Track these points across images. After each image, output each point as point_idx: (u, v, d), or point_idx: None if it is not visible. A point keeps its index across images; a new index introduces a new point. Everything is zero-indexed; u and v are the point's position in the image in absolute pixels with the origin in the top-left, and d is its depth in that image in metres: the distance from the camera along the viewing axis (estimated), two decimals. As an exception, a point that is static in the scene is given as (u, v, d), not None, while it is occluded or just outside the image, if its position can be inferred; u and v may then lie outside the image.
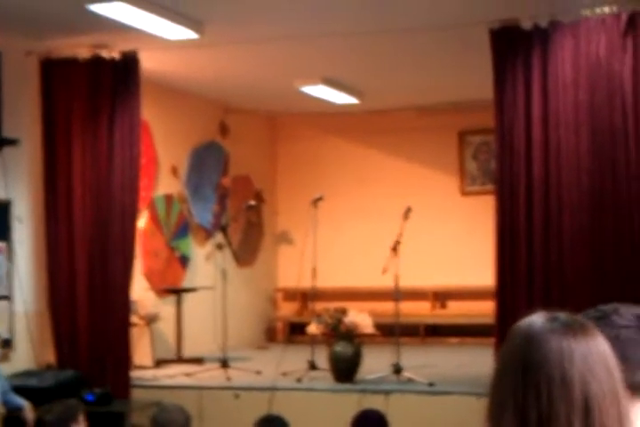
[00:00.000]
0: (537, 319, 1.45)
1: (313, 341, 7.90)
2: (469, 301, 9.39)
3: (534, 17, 6.82)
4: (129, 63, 7.70)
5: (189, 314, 9.30)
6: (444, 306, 11.23)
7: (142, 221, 9.08)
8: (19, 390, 6.53)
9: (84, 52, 7.73)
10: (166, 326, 9.22)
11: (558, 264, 6.68)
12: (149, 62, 7.93)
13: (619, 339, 1.76)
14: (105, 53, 7.73)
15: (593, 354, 1.40)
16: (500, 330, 6.81)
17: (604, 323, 1.98)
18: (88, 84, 7.74)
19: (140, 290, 8.80)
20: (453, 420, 6.72)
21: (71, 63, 7.75)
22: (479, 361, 8.64)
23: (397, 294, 7.78)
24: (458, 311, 10.72)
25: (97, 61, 7.72)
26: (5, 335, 7.49)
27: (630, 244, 6.52)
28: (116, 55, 7.71)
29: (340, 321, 7.45)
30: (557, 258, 6.69)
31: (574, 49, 6.73)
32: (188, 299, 9.43)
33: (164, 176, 9.81)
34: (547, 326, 1.42)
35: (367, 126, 11.46)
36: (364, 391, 7.08)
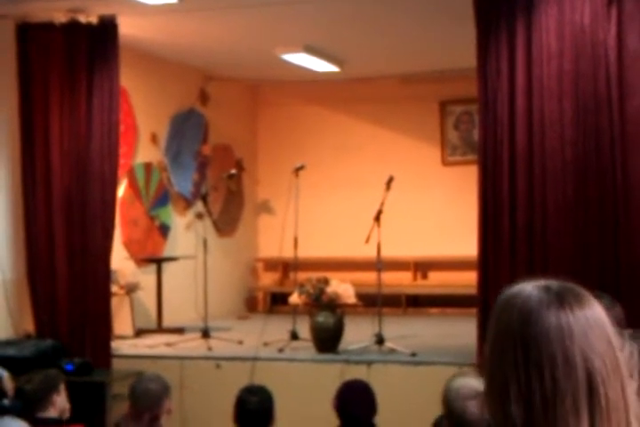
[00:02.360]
0: (530, 290, 1.40)
1: (294, 311, 7.88)
2: (451, 271, 9.40)
3: (519, -16, 6.73)
4: (107, 28, 7.56)
5: (170, 284, 9.25)
6: (425, 276, 11.23)
7: (121, 190, 8.98)
8: (-3, 360, 6.46)
9: (60, 17, 7.58)
10: (146, 296, 9.17)
11: (542, 234, 6.66)
12: (128, 28, 7.80)
13: None
14: (82, 18, 7.58)
15: (592, 326, 1.37)
16: (482, 300, 6.79)
17: None
18: (65, 50, 7.60)
19: (120, 259, 8.72)
20: (436, 390, 6.65)
21: (48, 28, 7.59)
22: (461, 331, 8.68)
23: (379, 265, 7.75)
24: (439, 282, 10.72)
25: (74, 26, 7.56)
26: (-17, 305, 7.41)
27: (613, 213, 6.50)
28: (93, 20, 7.57)
29: (322, 291, 7.42)
30: (541, 228, 6.67)
31: (558, 17, 6.65)
32: (169, 268, 9.37)
33: (144, 144, 9.70)
34: (543, 299, 1.38)
35: (349, 95, 11.37)
36: (346, 362, 7.07)
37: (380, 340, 7.39)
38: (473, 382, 3.74)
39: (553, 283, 1.42)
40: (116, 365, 7.53)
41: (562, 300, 1.38)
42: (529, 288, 1.41)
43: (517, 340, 1.37)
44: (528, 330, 1.36)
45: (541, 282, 1.42)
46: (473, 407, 3.59)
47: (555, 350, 1.34)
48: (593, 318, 1.38)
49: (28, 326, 7.65)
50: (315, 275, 7.92)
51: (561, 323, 1.36)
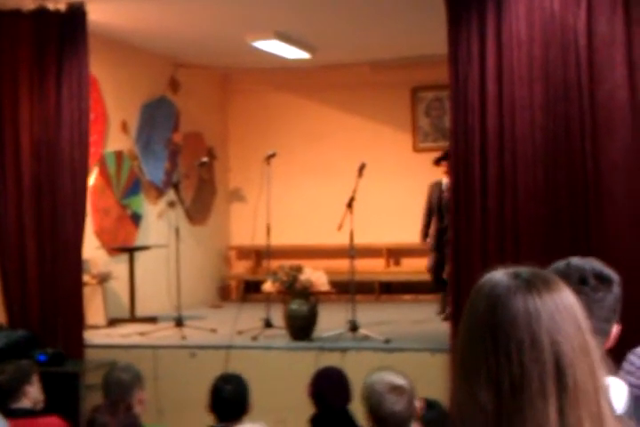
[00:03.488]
0: (499, 277, 1.41)
1: (268, 299, 7.87)
2: (423, 258, 9.40)
3: (489, -30, 6.73)
4: (75, 15, 7.48)
5: (142, 273, 9.21)
6: (397, 263, 11.26)
7: (92, 179, 8.92)
8: (-32, 352, 6.42)
9: (28, 4, 7.49)
10: (119, 285, 9.12)
11: (513, 220, 6.69)
12: (97, 15, 7.73)
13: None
14: (50, 5, 7.49)
15: (560, 311, 1.37)
16: (454, 287, 6.82)
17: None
18: (33, 37, 7.52)
19: (92, 249, 8.67)
20: (410, 376, 6.73)
21: (15, 15, 7.50)
22: (433, 318, 8.73)
23: (352, 252, 7.76)
24: (412, 268, 10.74)
25: (42, 13, 7.48)
26: (-47, 296, 7.33)
27: (583, 198, 6.54)
28: (61, 7, 7.49)
29: (295, 279, 7.42)
30: (512, 213, 6.70)
31: (528, 3, 6.66)
32: (141, 257, 9.33)
33: (114, 132, 9.63)
34: (511, 286, 1.38)
35: (320, 82, 11.35)
36: (320, 349, 7.08)
37: (353, 327, 7.41)
38: (388, 377, 3.81)
39: (523, 270, 1.42)
40: (89, 355, 7.50)
41: (529, 285, 1.38)
42: (498, 275, 1.42)
43: (486, 326, 1.37)
44: (496, 316, 1.37)
45: (512, 269, 1.43)
46: (389, 402, 3.67)
47: (522, 334, 1.35)
48: (561, 302, 1.38)
49: (0, 316, 7.59)
50: (288, 263, 7.91)
51: (528, 308, 1.36)
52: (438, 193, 8.77)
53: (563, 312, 1.37)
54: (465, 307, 1.44)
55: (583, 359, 1.35)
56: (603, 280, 2.22)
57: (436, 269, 8.73)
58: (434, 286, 9.00)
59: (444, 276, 8.40)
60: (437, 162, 8.80)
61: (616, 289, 2.25)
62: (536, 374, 1.33)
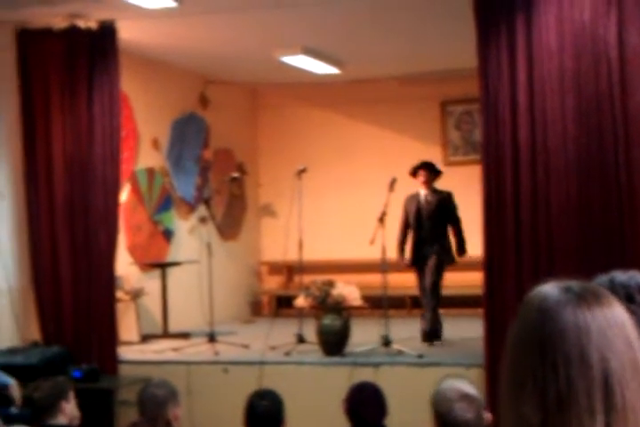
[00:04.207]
0: (550, 290, 1.39)
1: (300, 314, 7.85)
2: (456, 271, 9.34)
3: (518, -18, 6.72)
4: (106, 33, 7.55)
5: (174, 288, 9.23)
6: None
7: (124, 195, 8.97)
8: (4, 368, 6.42)
9: (59, 22, 7.57)
10: (151, 301, 9.15)
11: (546, 233, 6.64)
12: (127, 33, 7.79)
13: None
14: (81, 23, 7.56)
15: (611, 326, 1.34)
16: (488, 301, 6.77)
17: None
18: (65, 55, 7.59)
19: (124, 265, 8.71)
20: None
21: (47, 33, 7.59)
22: (467, 332, 8.66)
23: (384, 266, 7.73)
24: (445, 282, 10.66)
25: (73, 31, 7.56)
26: (-12, 313, 7.39)
27: (617, 211, 6.48)
28: (92, 25, 7.55)
29: (327, 294, 7.40)
30: (545, 226, 6.65)
31: (558, 15, 6.63)
32: (173, 273, 9.35)
33: (145, 149, 9.69)
34: (561, 299, 1.36)
35: (349, 96, 11.35)
36: (353, 364, 7.05)
37: (386, 342, 7.37)
38: (459, 385, 3.77)
39: (574, 283, 1.40)
40: (123, 371, 7.51)
41: (580, 299, 1.36)
42: (549, 288, 1.40)
43: (534, 339, 1.35)
44: (544, 328, 1.35)
45: (563, 283, 1.41)
46: (459, 409, 3.63)
47: (570, 348, 1.32)
48: (612, 317, 1.36)
49: (35, 333, 7.63)
50: (320, 277, 7.90)
51: (578, 321, 1.34)
52: (416, 205, 8.26)
53: (613, 328, 1.35)
54: (514, 319, 1.42)
55: (633, 378, 1.33)
56: None
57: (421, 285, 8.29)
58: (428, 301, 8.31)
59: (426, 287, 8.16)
60: (414, 172, 8.37)
61: None
62: (583, 390, 1.31)
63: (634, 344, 1.35)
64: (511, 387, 1.37)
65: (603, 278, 2.16)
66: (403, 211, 8.34)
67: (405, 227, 8.30)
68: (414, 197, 8.33)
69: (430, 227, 8.19)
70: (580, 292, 1.38)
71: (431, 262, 8.13)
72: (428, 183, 8.35)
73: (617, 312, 1.37)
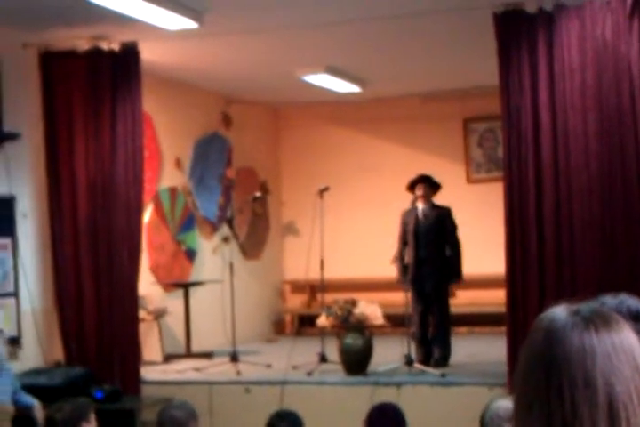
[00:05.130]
0: (559, 313, 1.38)
1: (322, 333, 7.83)
2: (479, 289, 9.31)
3: (539, 0, 6.72)
4: (129, 55, 7.61)
5: (197, 308, 9.24)
6: (453, 295, 11.14)
7: (147, 215, 9.00)
8: (27, 389, 6.46)
9: (83, 44, 7.64)
10: (174, 321, 9.16)
11: (569, 250, 6.60)
12: (149, 54, 7.84)
13: None
14: (104, 45, 7.63)
15: (617, 351, 1.33)
16: (511, 319, 6.73)
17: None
18: (88, 77, 7.65)
19: (147, 285, 8.72)
20: (466, 411, 6.62)
21: (70, 55, 7.65)
22: (490, 351, 8.60)
23: (406, 284, 7.69)
24: (467, 300, 10.62)
25: (96, 53, 7.62)
26: (13, 333, 7.41)
27: (640, 227, 6.43)
28: (115, 47, 7.62)
29: (350, 313, 7.38)
30: (568, 244, 6.61)
31: (580, 32, 6.63)
32: (196, 293, 9.36)
33: (168, 169, 9.73)
34: (568, 322, 1.35)
35: (371, 115, 11.36)
36: (376, 384, 7.01)
37: (409, 361, 7.32)
38: (511, 405, 3.72)
39: (584, 306, 1.39)
40: (146, 391, 7.51)
41: (588, 322, 1.35)
42: (558, 310, 1.39)
43: (541, 361, 1.34)
44: (551, 351, 1.34)
45: (574, 305, 1.40)
46: None
47: (575, 372, 1.31)
48: (620, 342, 1.34)
49: (58, 354, 7.65)
50: (342, 296, 7.88)
51: (584, 345, 1.33)
52: (414, 220, 7.85)
53: (620, 353, 1.33)
54: (525, 340, 1.42)
55: (639, 403, 1.30)
56: None
57: (423, 311, 7.79)
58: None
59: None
60: (412, 186, 7.95)
61: None
62: (588, 415, 1.29)
63: None
64: (519, 409, 1.36)
65: (593, 303, 2.09)
66: (400, 226, 7.99)
67: (403, 243, 7.88)
68: (411, 212, 7.92)
69: (428, 243, 7.78)
70: (589, 315, 1.37)
71: (430, 288, 7.71)
72: (427, 198, 7.95)
73: (625, 337, 1.35)
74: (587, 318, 1.36)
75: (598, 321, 1.35)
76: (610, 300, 2.11)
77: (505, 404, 3.73)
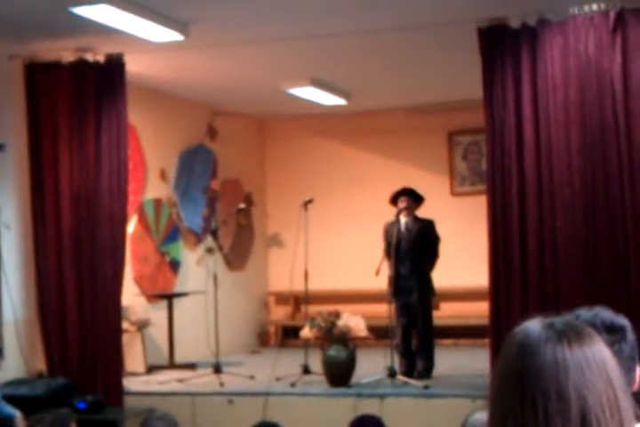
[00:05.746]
0: (533, 326, 1.40)
1: (306, 345, 7.84)
2: (462, 302, 9.34)
3: (522, 15, 6.78)
4: (114, 66, 7.62)
5: (181, 319, 9.23)
6: (436, 307, 11.16)
7: (131, 226, 9.00)
8: (9, 400, 6.43)
9: (68, 56, 7.65)
10: (158, 332, 9.14)
11: (552, 264, 6.64)
12: (135, 65, 7.86)
13: None
14: (90, 57, 7.65)
15: (590, 364, 1.35)
16: (494, 331, 6.76)
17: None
18: (73, 88, 7.66)
19: (131, 295, 8.71)
20: (449, 423, 6.64)
21: (55, 67, 7.66)
22: (474, 363, 8.62)
23: (390, 296, 7.71)
24: (451, 312, 10.66)
25: (81, 65, 7.64)
26: (-6, 344, 7.39)
27: (623, 242, 6.48)
28: (100, 58, 7.64)
29: (333, 325, 7.39)
30: (551, 258, 6.65)
31: (563, 47, 6.69)
32: (180, 304, 9.35)
33: (153, 180, 9.73)
34: (542, 335, 1.37)
35: (356, 127, 11.41)
36: (359, 395, 7.02)
37: (392, 373, 7.33)
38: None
39: (558, 320, 1.41)
40: (128, 402, 7.49)
41: (561, 336, 1.37)
42: (532, 324, 1.41)
43: (514, 374, 1.36)
44: (524, 365, 1.36)
45: (548, 319, 1.42)
46: None
47: (548, 385, 1.33)
48: (592, 355, 1.36)
49: (40, 364, 7.63)
50: (326, 308, 7.89)
51: (556, 358, 1.35)
52: (397, 233, 7.73)
53: (593, 366, 1.35)
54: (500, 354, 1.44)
55: (612, 416, 1.32)
56: (615, 331, 2.13)
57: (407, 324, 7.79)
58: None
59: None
60: (394, 200, 7.90)
61: (630, 336, 2.15)
62: None
63: (614, 383, 1.35)
64: (494, 421, 1.38)
65: (569, 316, 2.10)
66: (383, 239, 7.92)
67: (387, 255, 7.76)
68: (394, 225, 7.80)
69: (411, 256, 7.74)
70: (562, 329, 1.39)
71: (414, 301, 7.71)
72: (410, 210, 7.91)
73: (598, 351, 1.37)
74: (560, 332, 1.38)
75: (571, 335, 1.38)
76: (584, 313, 2.13)
77: (483, 416, 3.73)
